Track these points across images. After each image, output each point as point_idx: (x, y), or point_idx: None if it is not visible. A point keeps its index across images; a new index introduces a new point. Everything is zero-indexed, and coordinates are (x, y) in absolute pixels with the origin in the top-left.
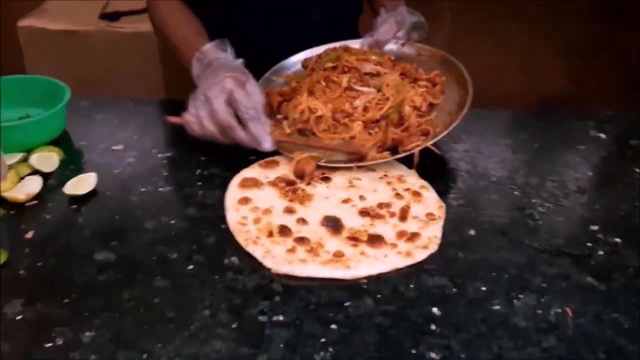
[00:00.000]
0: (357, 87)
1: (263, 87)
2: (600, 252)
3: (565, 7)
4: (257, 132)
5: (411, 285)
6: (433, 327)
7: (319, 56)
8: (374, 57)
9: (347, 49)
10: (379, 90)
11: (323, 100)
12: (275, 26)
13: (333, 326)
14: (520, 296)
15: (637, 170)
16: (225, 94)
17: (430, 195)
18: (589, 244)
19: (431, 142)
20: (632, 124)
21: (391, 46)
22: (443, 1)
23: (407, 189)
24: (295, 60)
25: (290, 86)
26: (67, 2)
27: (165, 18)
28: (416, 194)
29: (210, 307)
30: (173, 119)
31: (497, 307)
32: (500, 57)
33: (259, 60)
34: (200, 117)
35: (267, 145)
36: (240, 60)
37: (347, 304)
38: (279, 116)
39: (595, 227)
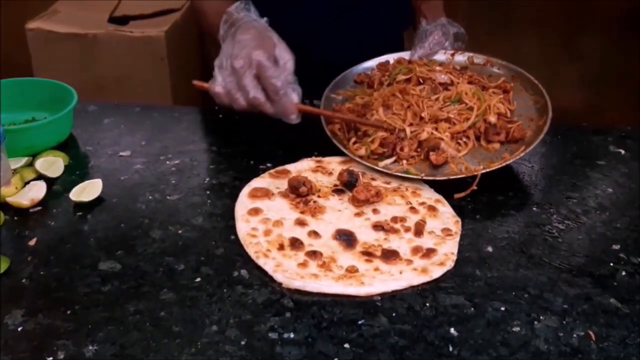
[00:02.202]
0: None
1: (326, 105)
2: (623, 273)
3: (582, 19)
4: (285, 105)
5: (427, 304)
6: (450, 348)
7: (385, 69)
8: (438, 68)
9: (410, 62)
10: (458, 101)
11: (403, 113)
12: (324, 41)
13: (346, 345)
14: (541, 317)
15: None
16: (254, 68)
17: (446, 210)
18: (611, 264)
19: (532, 147)
20: None
21: (440, 56)
22: (454, 15)
23: (422, 203)
24: (349, 76)
25: (356, 102)
26: (76, 5)
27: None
28: (431, 208)
29: (218, 322)
30: (200, 84)
31: (517, 328)
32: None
33: (309, 76)
34: (229, 89)
35: (294, 117)
36: (265, 19)
37: (360, 322)
38: (359, 132)
39: (617, 246)
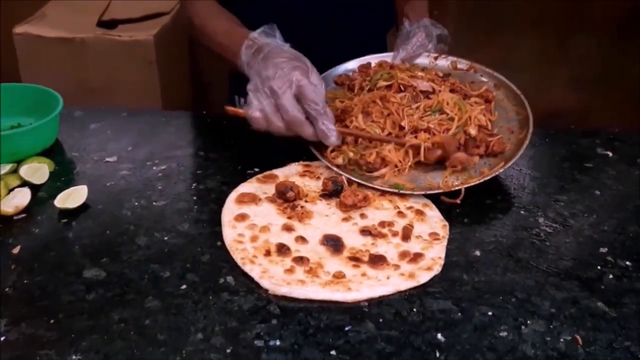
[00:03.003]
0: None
1: None
2: (610, 276)
3: (579, 20)
4: (325, 127)
5: (414, 309)
6: (437, 354)
7: (366, 72)
8: (420, 74)
9: (392, 66)
10: (439, 110)
11: (382, 121)
12: (328, 39)
13: (333, 352)
14: (529, 322)
15: None
16: (293, 88)
17: (433, 214)
18: (599, 267)
19: (510, 163)
20: None
21: (422, 60)
22: (445, 16)
23: (410, 207)
24: (329, 77)
25: (335, 106)
26: (64, 10)
27: (206, 17)
28: (419, 212)
29: (203, 329)
30: (233, 110)
31: (504, 333)
32: (507, 72)
33: None
34: (267, 112)
35: (334, 139)
36: (289, 45)
37: (347, 328)
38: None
39: (604, 250)
